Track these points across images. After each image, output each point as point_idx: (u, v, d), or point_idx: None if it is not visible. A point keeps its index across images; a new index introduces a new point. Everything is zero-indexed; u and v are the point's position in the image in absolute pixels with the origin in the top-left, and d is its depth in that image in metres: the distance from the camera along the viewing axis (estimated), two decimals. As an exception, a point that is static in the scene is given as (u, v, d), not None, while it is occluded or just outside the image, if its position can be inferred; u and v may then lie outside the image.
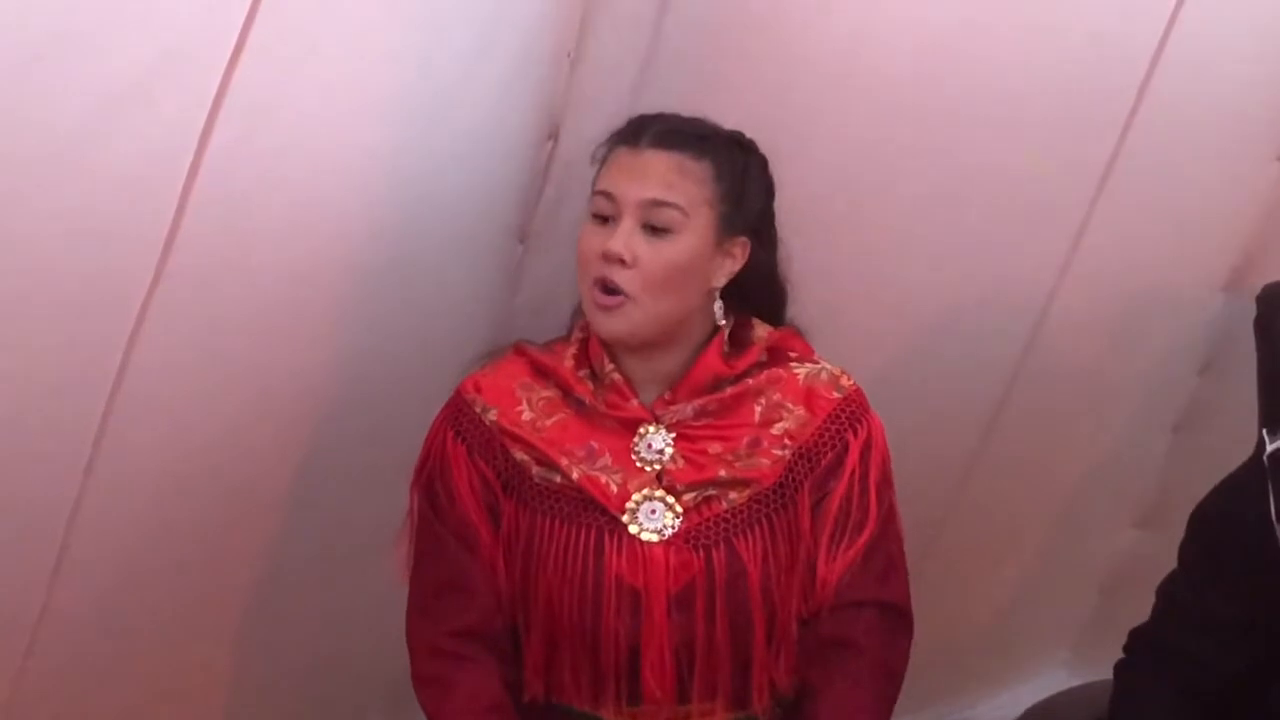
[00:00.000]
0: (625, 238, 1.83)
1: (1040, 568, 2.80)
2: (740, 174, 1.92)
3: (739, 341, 1.93)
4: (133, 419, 2.01)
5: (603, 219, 1.86)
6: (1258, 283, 2.21)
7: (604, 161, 1.91)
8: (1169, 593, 1.96)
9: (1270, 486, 1.83)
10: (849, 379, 1.95)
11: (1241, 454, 1.95)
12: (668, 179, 1.86)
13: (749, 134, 2.06)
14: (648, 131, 1.89)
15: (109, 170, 1.83)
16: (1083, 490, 2.73)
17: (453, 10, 1.95)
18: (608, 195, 1.85)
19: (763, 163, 1.96)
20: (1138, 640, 1.96)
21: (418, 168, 2.03)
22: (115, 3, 1.75)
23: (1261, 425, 1.93)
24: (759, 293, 1.97)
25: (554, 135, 2.07)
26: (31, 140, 1.78)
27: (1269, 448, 1.86)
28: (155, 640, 2.24)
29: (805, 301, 2.05)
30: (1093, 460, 2.69)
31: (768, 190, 1.96)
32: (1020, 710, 2.31)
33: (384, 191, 2.03)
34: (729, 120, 2.03)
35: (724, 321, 1.93)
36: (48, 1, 1.71)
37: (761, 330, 1.94)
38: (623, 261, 1.82)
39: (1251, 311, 2.15)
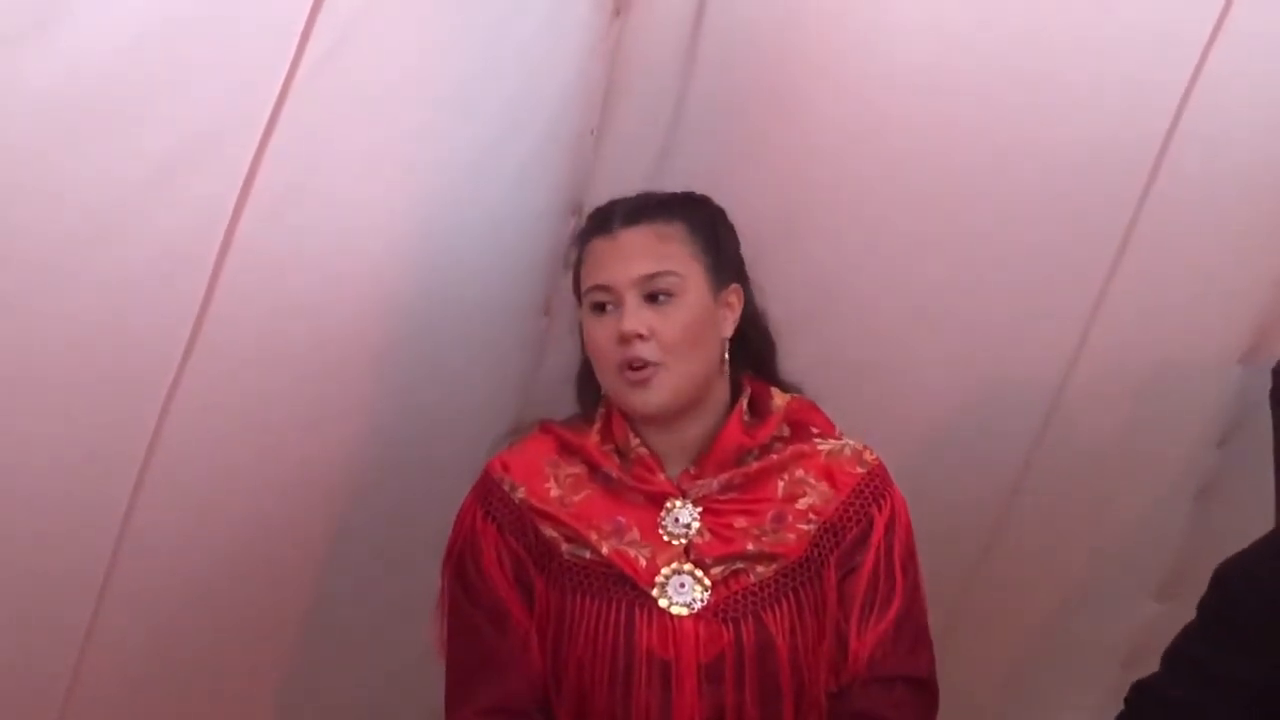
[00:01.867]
0: (634, 315, 1.85)
1: (1061, 640, 2.78)
2: (711, 224, 1.94)
3: (758, 410, 1.94)
4: (165, 489, 2.02)
5: (602, 308, 1.88)
6: (1273, 356, 2.24)
7: (581, 260, 1.93)
8: (1181, 649, 1.93)
9: None
10: (872, 454, 1.95)
11: (1261, 525, 1.95)
12: (652, 250, 1.89)
13: (769, 212, 2.08)
14: (614, 216, 1.92)
15: (143, 246, 1.88)
16: (1103, 563, 2.72)
17: (480, 90, 1.98)
18: (602, 287, 1.88)
19: (723, 212, 1.99)
20: (1144, 695, 1.95)
21: (445, 243, 2.05)
22: (151, 83, 1.78)
23: None
24: (757, 339, 1.99)
25: (577, 210, 2.09)
26: (69, 217, 1.82)
27: None
28: (186, 714, 2.24)
29: (825, 380, 2.06)
30: (1112, 533, 2.68)
31: (733, 236, 1.99)
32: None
33: (412, 266, 2.06)
34: (749, 198, 2.05)
35: (725, 375, 1.94)
36: (84, 82, 1.74)
37: (780, 399, 1.94)
38: (640, 336, 1.84)
39: (1269, 384, 2.15)
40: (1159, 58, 2.21)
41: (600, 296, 1.86)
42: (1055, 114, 2.20)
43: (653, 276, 1.83)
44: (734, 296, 1.90)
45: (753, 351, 1.96)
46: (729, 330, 1.90)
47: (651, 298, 1.85)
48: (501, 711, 1.88)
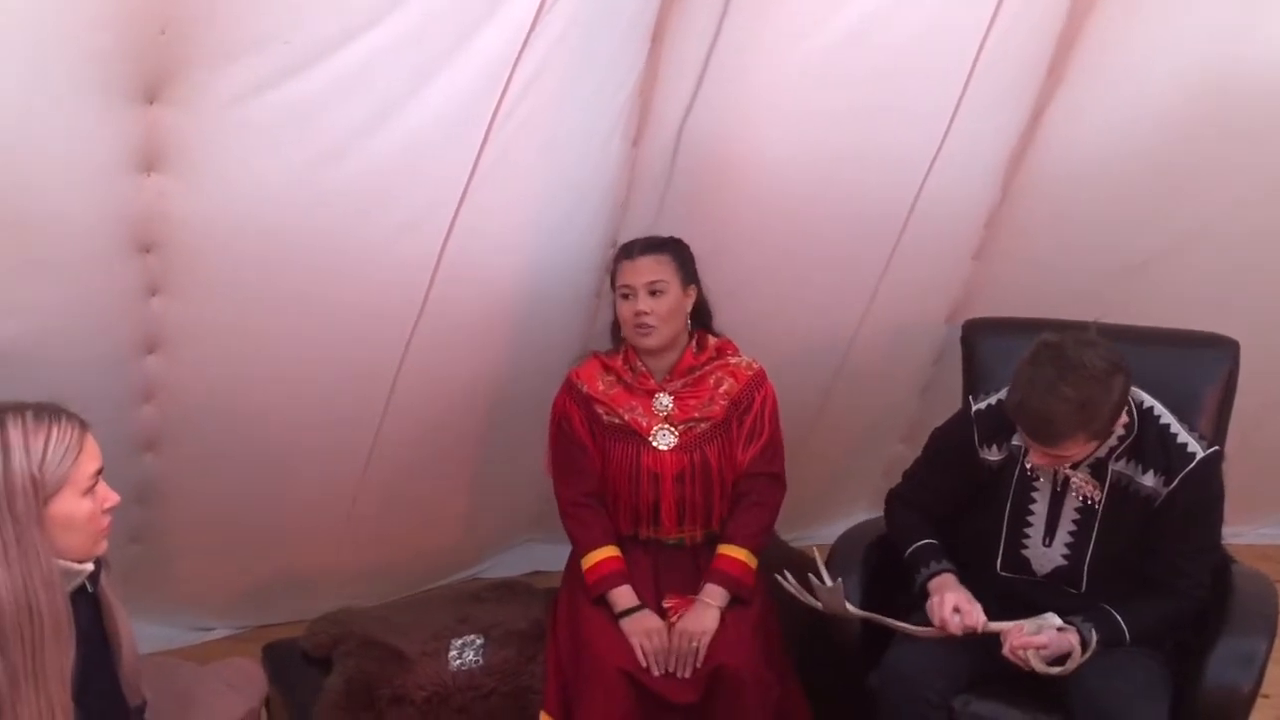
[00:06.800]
0: (643, 301, 2.33)
1: (853, 459, 3.24)
2: (682, 254, 2.39)
3: (700, 345, 2.41)
4: (415, 377, 2.55)
5: (626, 296, 2.35)
6: (963, 318, 2.73)
7: (617, 269, 2.37)
8: (909, 472, 2.43)
9: (974, 426, 2.29)
10: (757, 364, 2.42)
11: (953, 408, 2.41)
12: (653, 268, 2.34)
13: (716, 237, 2.50)
14: (634, 248, 2.37)
15: (397, 262, 2.37)
16: (876, 422, 3.19)
17: (562, 186, 2.45)
18: (628, 286, 2.35)
19: (687, 246, 2.40)
20: (892, 494, 2.45)
21: (549, 262, 2.55)
22: (398, 181, 2.22)
23: (969, 393, 2.46)
24: (702, 313, 2.43)
25: (614, 243, 2.61)
26: (347, 260, 2.31)
27: (974, 406, 2.30)
28: (432, 465, 2.77)
29: (732, 312, 2.49)
30: (880, 409, 3.15)
31: (693, 259, 2.40)
32: (841, 531, 2.55)
33: (532, 274, 2.55)
34: (705, 230, 2.49)
35: (688, 329, 2.36)
36: (360, 180, 2.17)
37: (712, 340, 2.42)
38: (644, 313, 2.32)
39: (959, 333, 2.69)
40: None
41: (625, 290, 2.36)
42: (836, 193, 2.59)
43: (652, 282, 2.33)
44: (692, 292, 2.39)
45: (701, 319, 2.44)
46: (689, 308, 2.39)
47: (651, 292, 2.32)
48: (589, 494, 2.39)
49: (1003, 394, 2.21)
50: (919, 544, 2.30)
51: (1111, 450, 2.18)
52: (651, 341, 2.34)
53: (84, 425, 1.65)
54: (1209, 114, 2.58)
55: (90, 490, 1.64)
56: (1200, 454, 2.15)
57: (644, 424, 2.36)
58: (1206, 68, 2.52)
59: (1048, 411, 2.03)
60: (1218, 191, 2.75)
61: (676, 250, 2.39)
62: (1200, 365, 2.46)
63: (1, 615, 1.51)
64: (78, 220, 2.06)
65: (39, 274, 2.08)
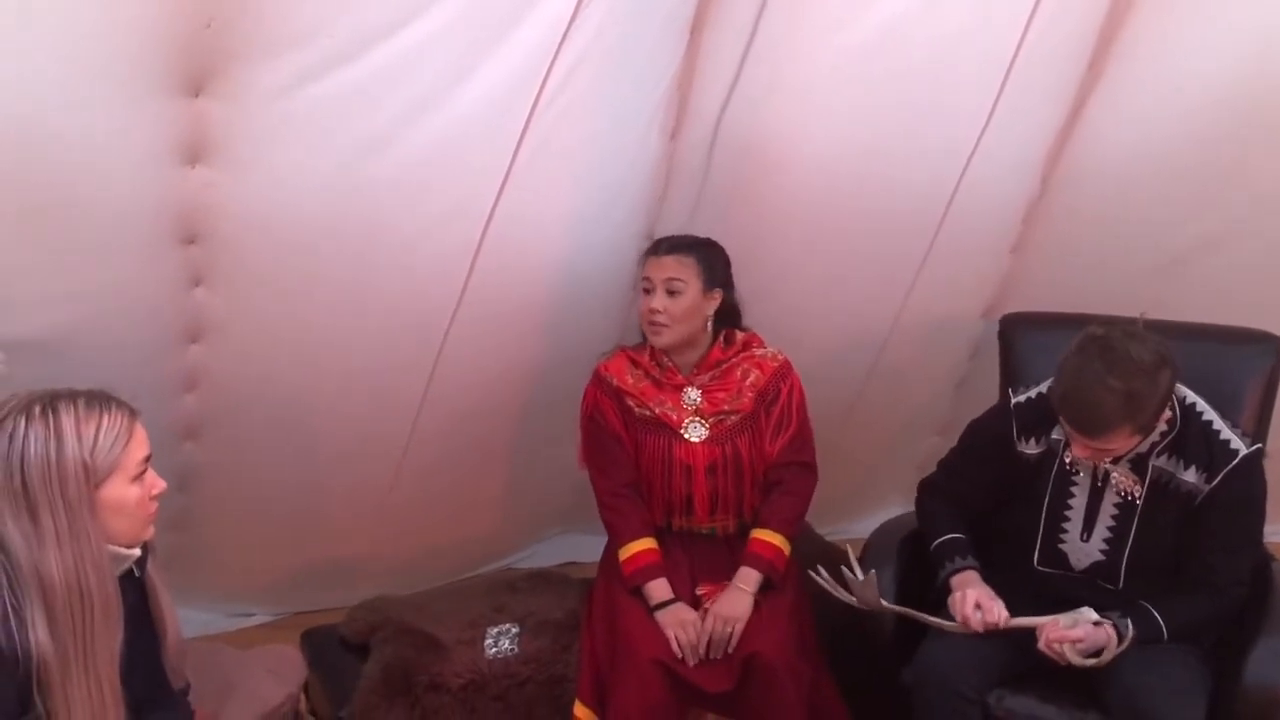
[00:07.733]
0: (659, 299, 2.37)
1: (888, 453, 3.30)
2: (710, 258, 2.41)
3: (728, 340, 2.46)
4: (453, 367, 2.59)
5: (647, 290, 2.39)
6: (999, 313, 2.77)
7: (643, 263, 2.42)
8: (944, 461, 2.45)
9: (1013, 419, 2.30)
10: (782, 355, 2.46)
11: (989, 402, 2.45)
12: (674, 268, 2.37)
13: (753, 231, 2.55)
14: (661, 245, 2.42)
15: (436, 260, 2.42)
16: (910, 417, 3.24)
17: (600, 178, 2.47)
18: (648, 279, 2.39)
19: (721, 250, 2.43)
20: (925, 482, 2.47)
21: (588, 254, 2.58)
22: (438, 173, 2.23)
23: (1007, 386, 2.44)
24: (729, 314, 2.47)
25: (650, 236, 2.62)
26: (388, 251, 2.34)
27: (1014, 399, 2.31)
28: (468, 455, 2.83)
29: (766, 308, 2.52)
30: (914, 404, 3.20)
31: (726, 264, 2.43)
32: (875, 525, 2.58)
33: (569, 264, 2.57)
34: (742, 224, 2.52)
35: (709, 330, 2.40)
36: (400, 171, 2.20)
37: (738, 334, 2.47)
38: (658, 310, 2.36)
39: (996, 328, 2.73)
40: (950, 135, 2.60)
41: (646, 284, 2.40)
42: (872, 188, 2.62)
43: (671, 280, 2.36)
44: (715, 296, 2.40)
45: (726, 320, 2.46)
46: (710, 311, 2.40)
47: (668, 290, 2.36)
48: (627, 485, 2.44)
49: (1044, 387, 2.24)
50: (945, 538, 2.32)
51: (1154, 446, 2.19)
52: (662, 340, 2.38)
53: (134, 413, 1.69)
54: (1247, 110, 2.59)
55: (139, 477, 1.68)
56: (1243, 451, 2.16)
57: (674, 417, 2.41)
58: (1245, 64, 2.53)
59: (1094, 403, 2.03)
60: (1256, 187, 2.75)
61: (704, 253, 2.42)
62: (1242, 361, 2.46)
63: (54, 597, 1.57)
64: (123, 212, 2.10)
65: (85, 264, 2.13)
